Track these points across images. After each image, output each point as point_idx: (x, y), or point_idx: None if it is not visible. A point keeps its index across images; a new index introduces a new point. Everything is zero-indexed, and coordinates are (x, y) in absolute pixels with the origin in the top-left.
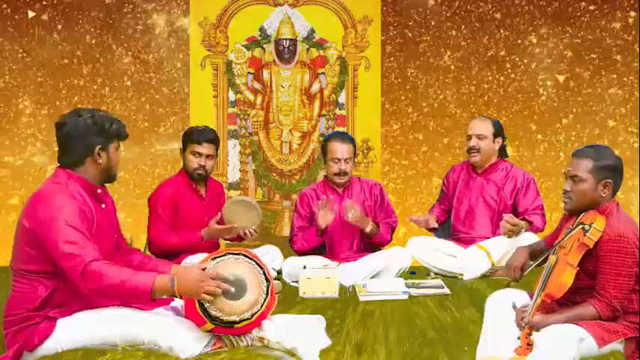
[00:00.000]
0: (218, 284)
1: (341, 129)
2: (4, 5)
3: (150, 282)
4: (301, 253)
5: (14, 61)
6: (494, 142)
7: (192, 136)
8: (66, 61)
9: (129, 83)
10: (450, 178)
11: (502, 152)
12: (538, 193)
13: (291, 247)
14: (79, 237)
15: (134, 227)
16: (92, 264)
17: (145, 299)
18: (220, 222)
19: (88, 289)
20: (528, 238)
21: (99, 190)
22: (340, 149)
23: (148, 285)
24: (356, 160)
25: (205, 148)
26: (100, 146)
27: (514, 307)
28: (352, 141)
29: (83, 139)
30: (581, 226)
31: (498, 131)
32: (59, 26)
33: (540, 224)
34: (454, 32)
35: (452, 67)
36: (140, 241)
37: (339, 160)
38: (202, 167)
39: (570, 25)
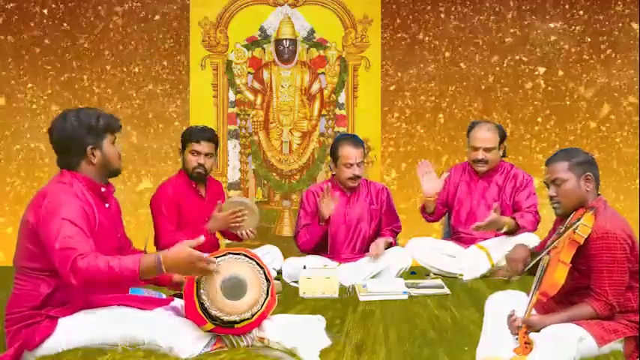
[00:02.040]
0: (209, 260)
1: (341, 129)
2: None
3: (136, 262)
4: (305, 247)
5: (21, 56)
6: (499, 149)
7: (191, 135)
8: (67, 56)
9: (129, 83)
10: (452, 179)
11: (502, 153)
12: (534, 193)
13: (296, 243)
14: (76, 232)
15: (131, 229)
16: (81, 257)
17: (133, 281)
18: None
19: (78, 282)
20: (528, 238)
21: (103, 189)
22: (354, 154)
23: (134, 266)
24: None
25: (204, 147)
26: (91, 146)
27: (511, 314)
28: (363, 143)
29: (73, 142)
30: (570, 225)
31: (503, 137)
32: (64, 24)
33: (530, 225)
34: (454, 31)
35: (452, 66)
36: (140, 243)
37: (352, 165)
38: (201, 166)
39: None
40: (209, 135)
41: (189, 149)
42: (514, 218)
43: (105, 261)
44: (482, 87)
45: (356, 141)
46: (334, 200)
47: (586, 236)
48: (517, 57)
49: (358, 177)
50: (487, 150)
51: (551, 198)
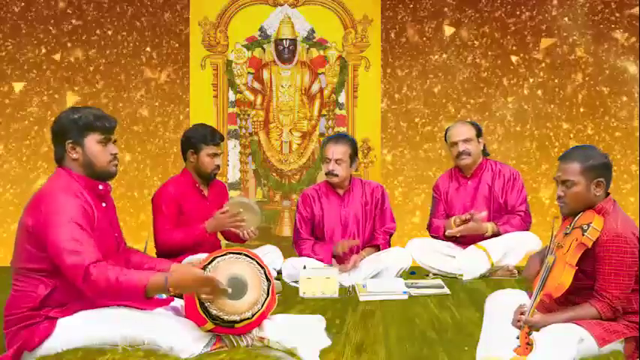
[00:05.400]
0: (212, 290)
1: (341, 129)
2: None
3: (144, 280)
4: (305, 256)
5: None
6: (478, 142)
7: (207, 139)
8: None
9: (128, 83)
10: (441, 187)
11: (483, 152)
12: (522, 189)
13: (296, 250)
14: (81, 235)
15: (132, 229)
16: (93, 267)
17: (139, 298)
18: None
19: (88, 290)
20: (526, 238)
21: (100, 187)
22: (331, 150)
23: (142, 283)
24: (356, 162)
25: (220, 148)
26: (70, 141)
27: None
28: (349, 143)
29: (57, 134)
30: (579, 226)
31: (479, 132)
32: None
33: (516, 229)
34: (454, 30)
35: (452, 66)
36: (140, 245)
37: (330, 160)
38: (218, 166)
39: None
40: (221, 135)
41: (207, 152)
42: (497, 224)
43: (115, 276)
44: (482, 87)
45: (337, 138)
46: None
47: (594, 239)
48: (517, 56)
49: (334, 174)
50: (466, 141)
51: (558, 197)
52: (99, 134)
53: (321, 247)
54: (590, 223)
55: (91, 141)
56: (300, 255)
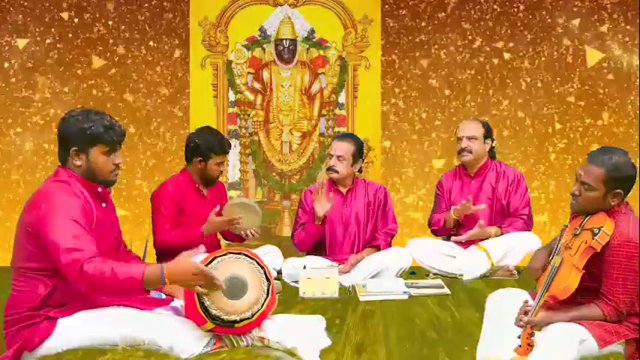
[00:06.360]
0: (208, 284)
1: (341, 129)
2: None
3: (140, 272)
4: (301, 246)
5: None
6: (484, 143)
7: (216, 150)
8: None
9: (129, 82)
10: (445, 184)
11: (491, 153)
12: (526, 192)
13: (292, 241)
14: (80, 232)
15: (133, 227)
16: (90, 261)
17: (136, 289)
18: (219, 215)
19: (84, 285)
20: (527, 238)
21: (99, 189)
22: (334, 146)
23: (138, 275)
24: (360, 163)
25: (227, 156)
26: (75, 148)
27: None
28: (353, 142)
29: (64, 139)
30: (589, 229)
31: (488, 132)
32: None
33: (520, 230)
34: (455, 32)
35: (452, 66)
36: (139, 246)
37: (332, 156)
38: (222, 171)
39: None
40: (229, 143)
41: (216, 161)
42: (501, 227)
43: (111, 267)
44: (482, 88)
45: (343, 136)
46: (329, 200)
47: (604, 243)
48: (516, 55)
49: (334, 170)
50: (470, 139)
51: (572, 194)
52: (104, 146)
53: (307, 225)
54: (602, 227)
55: (96, 152)
56: (295, 242)
